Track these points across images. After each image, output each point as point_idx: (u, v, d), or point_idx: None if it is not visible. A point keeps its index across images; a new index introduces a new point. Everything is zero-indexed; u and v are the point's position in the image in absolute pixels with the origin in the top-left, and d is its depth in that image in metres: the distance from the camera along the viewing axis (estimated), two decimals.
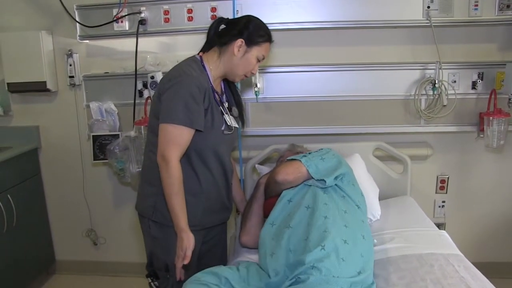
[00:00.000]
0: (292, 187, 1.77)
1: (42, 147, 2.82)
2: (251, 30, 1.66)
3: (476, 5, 2.27)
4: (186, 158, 1.62)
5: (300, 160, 1.76)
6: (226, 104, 1.77)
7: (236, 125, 1.78)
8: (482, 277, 1.58)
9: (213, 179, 1.72)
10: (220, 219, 1.86)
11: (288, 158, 1.88)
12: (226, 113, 1.72)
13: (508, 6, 2.24)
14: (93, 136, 2.52)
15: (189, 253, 1.56)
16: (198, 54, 1.74)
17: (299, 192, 1.74)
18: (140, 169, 2.24)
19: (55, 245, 2.99)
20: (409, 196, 2.37)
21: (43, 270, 2.92)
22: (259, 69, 2.38)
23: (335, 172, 1.73)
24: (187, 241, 1.55)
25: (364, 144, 2.41)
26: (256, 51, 1.68)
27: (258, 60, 1.72)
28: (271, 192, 1.83)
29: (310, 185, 1.74)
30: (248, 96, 2.47)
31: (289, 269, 1.47)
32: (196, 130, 1.58)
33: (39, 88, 2.61)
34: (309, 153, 1.84)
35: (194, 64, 1.65)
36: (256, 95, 2.40)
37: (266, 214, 1.85)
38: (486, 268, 2.63)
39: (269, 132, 2.54)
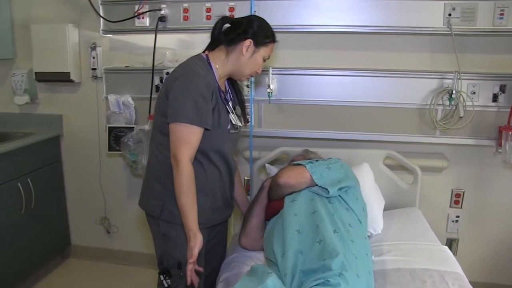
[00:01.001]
0: (294, 191, 1.75)
1: (64, 135, 2.94)
2: (258, 31, 1.67)
3: (502, 14, 2.17)
4: (195, 157, 1.61)
5: (305, 166, 1.74)
6: (231, 103, 1.77)
7: (241, 124, 1.79)
8: None
9: (220, 177, 1.73)
10: (223, 217, 1.87)
11: (294, 162, 1.87)
12: (232, 112, 1.73)
13: None
14: (109, 127, 2.60)
15: (195, 252, 1.53)
16: (203, 52, 1.73)
17: (303, 197, 1.72)
18: None
19: (71, 230, 3.11)
20: (417, 208, 2.30)
21: (58, 253, 3.05)
22: (273, 71, 2.40)
23: (339, 184, 1.70)
24: (194, 241, 1.53)
25: (375, 152, 2.36)
26: (263, 52, 1.70)
27: (264, 60, 1.73)
28: (274, 195, 1.83)
29: (315, 192, 1.72)
30: (261, 96, 2.48)
31: (304, 273, 1.43)
32: (204, 129, 1.58)
33: (63, 78, 2.72)
34: (317, 160, 1.82)
35: (200, 62, 1.66)
36: (269, 96, 2.41)
37: (268, 217, 1.86)
38: None
39: (279, 133, 2.53)
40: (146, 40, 2.61)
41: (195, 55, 1.72)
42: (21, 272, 2.63)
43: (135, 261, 3.00)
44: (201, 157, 1.64)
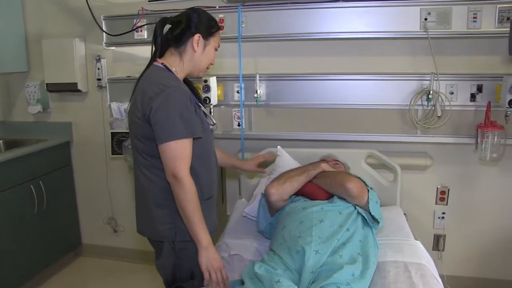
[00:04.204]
0: (344, 199, 1.83)
1: (73, 141, 3.17)
2: (200, 23, 1.63)
3: (475, 18, 2.25)
4: (193, 172, 1.58)
5: (368, 189, 1.82)
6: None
7: (214, 121, 1.82)
8: (435, 286, 1.62)
9: (213, 180, 1.74)
10: None
11: (362, 179, 1.88)
12: (204, 112, 1.73)
13: (508, 19, 2.20)
14: (112, 132, 2.80)
15: (224, 274, 1.57)
16: (155, 61, 1.66)
17: (348, 211, 1.79)
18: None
19: (82, 230, 3.33)
20: (399, 205, 2.39)
21: (70, 251, 3.27)
22: (260, 77, 2.54)
23: (381, 221, 1.80)
24: (216, 262, 1.57)
25: (357, 151, 2.47)
26: (213, 42, 1.67)
27: (216, 50, 1.72)
28: (324, 185, 1.91)
29: (360, 213, 1.79)
30: (250, 101, 2.62)
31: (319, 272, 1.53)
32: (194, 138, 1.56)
33: (71, 88, 2.96)
34: (372, 189, 1.86)
35: (164, 73, 1.61)
36: (256, 101, 2.56)
37: (298, 193, 1.96)
38: (487, 285, 2.61)
39: (269, 135, 2.67)
40: (146, 51, 2.75)
41: (152, 68, 1.65)
42: (34, 268, 2.86)
43: (141, 259, 3.19)
44: (198, 166, 1.61)
